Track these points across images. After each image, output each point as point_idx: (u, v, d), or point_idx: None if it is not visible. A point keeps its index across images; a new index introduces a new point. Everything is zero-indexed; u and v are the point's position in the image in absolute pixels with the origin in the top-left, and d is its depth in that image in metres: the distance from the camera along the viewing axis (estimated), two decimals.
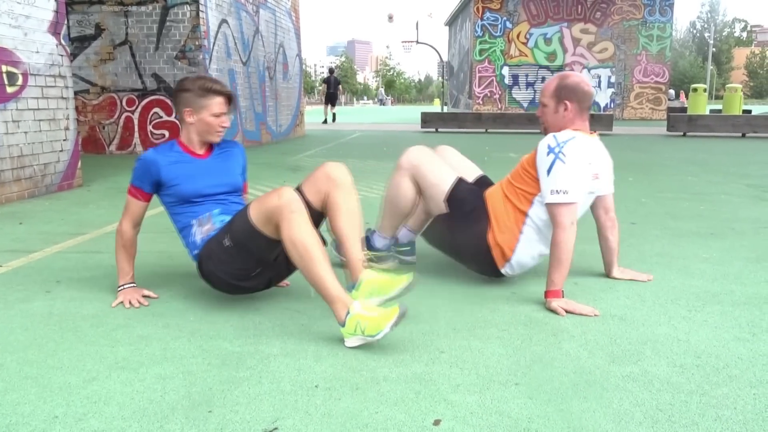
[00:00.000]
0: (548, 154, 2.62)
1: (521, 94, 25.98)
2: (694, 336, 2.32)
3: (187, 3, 9.09)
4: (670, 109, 23.79)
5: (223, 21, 10.07)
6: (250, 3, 11.41)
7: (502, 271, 2.85)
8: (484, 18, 25.88)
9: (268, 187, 6.13)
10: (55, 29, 5.84)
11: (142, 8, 9.22)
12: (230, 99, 2.66)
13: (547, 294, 2.61)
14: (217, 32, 9.81)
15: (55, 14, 5.83)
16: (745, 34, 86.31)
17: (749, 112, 20.35)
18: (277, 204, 2.28)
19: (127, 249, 2.78)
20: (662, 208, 5.08)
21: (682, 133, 14.80)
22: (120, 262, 2.77)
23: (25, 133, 5.47)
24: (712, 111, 20.86)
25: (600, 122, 15.69)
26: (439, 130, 16.42)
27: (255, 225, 2.37)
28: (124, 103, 9.49)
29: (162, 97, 9.40)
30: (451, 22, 34.52)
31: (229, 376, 1.98)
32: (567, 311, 2.54)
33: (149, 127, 9.51)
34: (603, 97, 25.94)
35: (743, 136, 14.33)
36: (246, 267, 2.50)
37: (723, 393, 1.87)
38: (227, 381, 1.95)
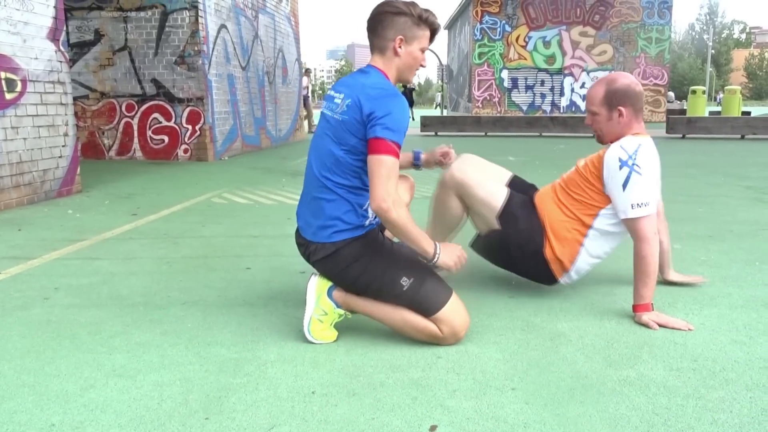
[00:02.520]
0: (621, 168, 2.52)
1: (520, 98, 25.97)
2: (691, 339, 2.33)
3: (186, 8, 9.11)
4: (669, 111, 23.79)
5: (223, 26, 10.09)
6: (250, 8, 11.44)
7: (561, 281, 2.80)
8: (483, 21, 25.90)
9: (269, 192, 6.14)
10: (54, 35, 5.85)
11: (142, 14, 9.24)
12: (434, 36, 2.32)
13: (636, 308, 2.53)
14: (216, 37, 9.83)
15: (54, 20, 5.84)
16: (744, 36, 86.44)
17: (749, 113, 20.35)
18: (444, 340, 2.25)
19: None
20: None
21: (681, 135, 14.80)
22: (415, 234, 2.16)
23: (24, 139, 5.48)
24: (711, 113, 20.87)
25: None
26: (439, 133, 16.42)
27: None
28: (123, 108, 9.50)
29: (161, 103, 9.41)
30: (450, 25, 34.57)
31: (227, 383, 1.98)
32: (660, 325, 2.46)
33: (149, 133, 9.52)
34: None
35: (742, 137, 14.33)
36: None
37: (719, 396, 1.87)
38: (224, 388, 1.95)
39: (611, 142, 2.65)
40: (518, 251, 2.75)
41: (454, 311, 2.23)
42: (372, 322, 2.44)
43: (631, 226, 2.55)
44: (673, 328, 2.44)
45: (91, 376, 2.04)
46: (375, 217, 2.30)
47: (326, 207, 2.23)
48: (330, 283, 2.34)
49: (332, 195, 2.22)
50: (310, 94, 18.66)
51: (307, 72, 19.15)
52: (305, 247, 2.34)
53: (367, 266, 2.22)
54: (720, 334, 2.37)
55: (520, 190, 2.91)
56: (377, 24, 2.24)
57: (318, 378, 2.02)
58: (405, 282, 2.19)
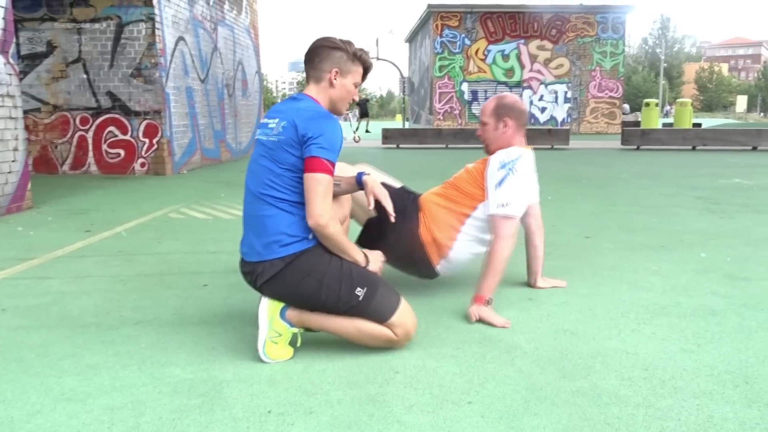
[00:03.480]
0: (500, 168, 2.79)
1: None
2: (642, 349, 2.38)
3: (142, 20, 8.99)
4: (624, 123, 24.42)
5: (180, 38, 9.98)
6: (208, 20, 11.35)
7: (437, 268, 2.94)
8: (443, 35, 26.23)
9: (228, 206, 6.07)
10: (3, 48, 5.70)
11: (96, 25, 9.08)
12: (367, 74, 2.46)
13: (474, 298, 2.72)
14: (174, 49, 9.71)
15: (3, 32, 5.70)
16: (694, 50, 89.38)
17: (699, 125, 21.03)
18: (397, 342, 2.34)
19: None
20: (615, 221, 5.19)
21: (635, 147, 15.19)
22: (348, 247, 2.33)
23: None
24: (664, 125, 21.48)
25: (557, 137, 16.00)
26: (401, 146, 16.51)
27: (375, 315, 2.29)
28: (77, 121, 9.29)
29: (117, 116, 9.24)
30: (411, 38, 34.89)
31: (180, 405, 1.94)
32: (479, 319, 2.66)
33: (104, 146, 9.33)
34: (560, 112, 26.47)
35: (694, 149, 14.79)
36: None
37: (668, 405, 1.91)
38: (178, 410, 1.91)
39: (495, 152, 2.92)
40: (394, 234, 2.81)
41: (405, 314, 2.33)
42: (330, 338, 2.43)
43: (493, 222, 2.77)
44: (490, 324, 2.63)
45: (39, 401, 1.98)
46: (311, 233, 2.31)
47: (268, 222, 2.24)
48: (282, 305, 2.31)
49: (273, 210, 2.24)
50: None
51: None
52: (251, 273, 2.30)
53: (321, 281, 2.23)
54: (670, 343, 2.43)
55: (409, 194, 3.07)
56: (315, 56, 2.36)
57: (274, 397, 2.00)
58: (360, 292, 2.25)
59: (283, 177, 2.23)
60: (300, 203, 2.25)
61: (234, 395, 2.01)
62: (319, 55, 2.35)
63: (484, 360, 2.29)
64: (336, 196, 2.44)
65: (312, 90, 2.36)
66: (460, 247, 2.90)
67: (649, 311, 2.83)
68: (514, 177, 2.76)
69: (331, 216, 2.22)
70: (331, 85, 2.35)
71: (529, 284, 3.26)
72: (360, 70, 2.40)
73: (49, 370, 2.22)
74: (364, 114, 21.24)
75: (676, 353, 2.33)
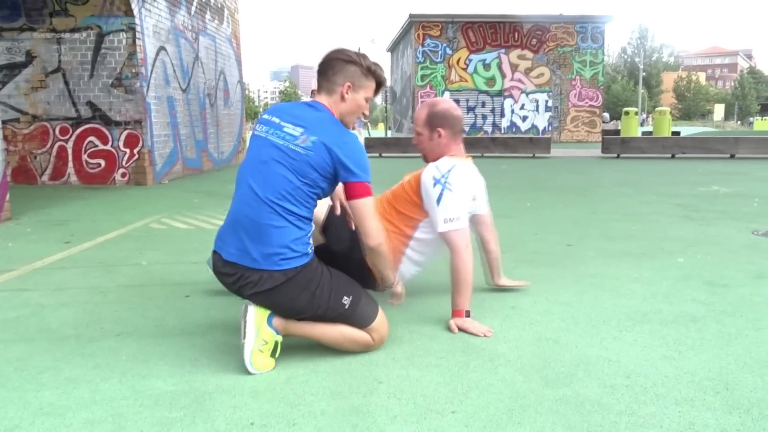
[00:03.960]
0: (435, 185, 2.75)
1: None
2: (624, 356, 2.40)
3: (123, 30, 8.93)
4: (604, 132, 24.68)
5: (162, 48, 9.93)
6: (190, 30, 11.31)
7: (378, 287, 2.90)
8: (425, 44, 26.38)
9: (210, 216, 6.03)
10: None
11: (76, 35, 9.00)
12: (380, 89, 2.47)
13: (453, 313, 2.75)
14: (155, 59, 9.66)
15: None
16: (672, 59, 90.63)
17: (678, 133, 21.31)
18: (372, 347, 2.43)
19: None
20: (597, 229, 5.24)
21: (615, 155, 15.36)
22: (391, 263, 2.54)
23: None
24: (644, 133, 21.74)
25: (538, 145, 16.13)
26: (383, 155, 16.53)
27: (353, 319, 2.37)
28: (57, 132, 9.19)
29: (97, 126, 9.15)
30: (393, 48, 35.04)
31: (162, 418, 1.92)
32: (460, 329, 2.68)
33: (84, 157, 9.23)
34: (541, 121, 26.70)
35: (673, 156, 14.98)
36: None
37: (650, 412, 1.93)
38: (159, 423, 1.89)
39: (434, 161, 2.87)
40: (343, 260, 2.74)
41: (382, 320, 2.44)
42: (313, 348, 2.43)
43: (445, 238, 2.75)
44: (472, 333, 2.64)
45: (17, 415, 1.95)
46: (312, 244, 2.33)
47: (275, 234, 2.18)
48: (268, 312, 2.31)
49: (283, 222, 2.19)
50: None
51: (313, 93, 19.58)
52: (237, 278, 2.23)
53: (314, 293, 2.27)
54: (651, 350, 2.46)
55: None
56: (328, 68, 2.34)
57: (257, 408, 1.98)
58: (346, 301, 2.33)
59: (300, 191, 2.20)
60: (307, 219, 2.26)
61: (216, 407, 1.99)
62: (333, 67, 2.33)
63: (467, 369, 2.29)
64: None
65: (324, 100, 2.35)
66: (406, 267, 2.92)
67: (630, 318, 2.86)
68: (451, 191, 2.72)
69: (382, 230, 2.35)
70: (343, 99, 2.33)
71: (492, 284, 3.33)
72: (373, 85, 2.40)
73: (27, 383, 2.19)
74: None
75: (658, 360, 2.35)
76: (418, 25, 26.33)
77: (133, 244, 4.72)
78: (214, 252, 2.33)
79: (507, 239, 4.78)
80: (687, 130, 36.08)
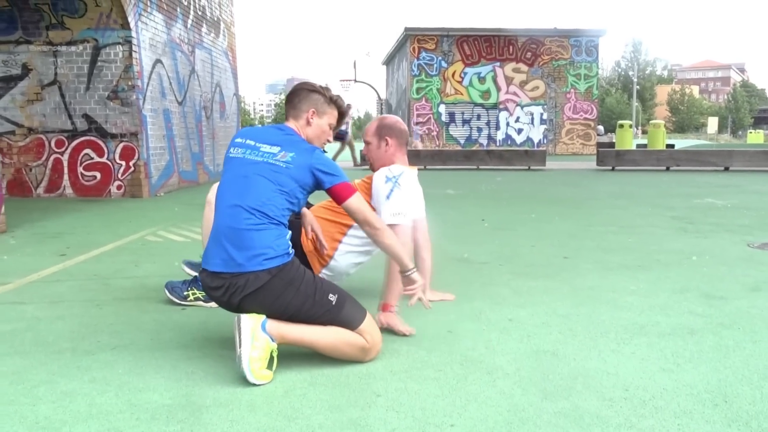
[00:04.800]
0: (387, 182, 2.97)
1: (458, 131, 26.57)
2: (622, 369, 2.39)
3: (119, 43, 8.95)
4: (599, 144, 24.79)
5: (158, 61, 9.95)
6: (186, 43, 11.35)
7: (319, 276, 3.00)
8: (420, 57, 26.51)
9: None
10: None
11: (72, 48, 9.01)
12: (342, 118, 2.74)
13: (381, 306, 2.87)
14: (152, 72, 9.68)
15: None
16: (666, 72, 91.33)
17: (672, 146, 21.44)
18: (369, 351, 2.47)
19: None
20: (593, 241, 5.25)
21: (610, 168, 15.42)
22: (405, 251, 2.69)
23: None
24: (638, 146, 21.85)
25: (534, 158, 16.19)
26: None
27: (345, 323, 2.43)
28: (52, 144, 9.18)
29: (93, 138, 9.14)
30: (389, 61, 35.19)
31: None
32: (386, 326, 2.79)
33: (80, 169, 9.22)
34: (536, 134, 26.81)
35: (667, 169, 15.05)
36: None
37: (649, 425, 1.92)
38: None
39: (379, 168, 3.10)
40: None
41: (371, 323, 2.50)
42: (311, 362, 2.42)
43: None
44: (396, 331, 2.78)
45: (13, 429, 1.93)
46: (291, 247, 2.46)
47: (255, 236, 2.33)
48: (263, 317, 2.33)
49: (263, 225, 2.35)
50: (349, 129, 19.74)
51: (348, 107, 19.84)
52: (225, 288, 2.34)
53: (299, 288, 2.36)
54: (650, 363, 2.45)
55: None
56: (295, 97, 2.63)
57: (255, 422, 1.97)
58: (332, 298, 2.42)
59: (278, 199, 2.38)
60: (283, 224, 2.42)
61: (214, 421, 1.98)
62: (299, 95, 2.61)
63: (465, 382, 2.28)
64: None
65: (291, 124, 2.60)
66: (341, 257, 3.07)
67: (628, 331, 2.86)
68: (400, 190, 2.94)
69: (382, 222, 2.59)
70: (308, 123, 2.59)
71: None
72: (335, 113, 2.67)
73: (23, 397, 2.17)
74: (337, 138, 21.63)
75: (656, 373, 2.35)
76: (414, 39, 26.47)
77: (129, 257, 4.70)
78: (202, 270, 2.45)
79: (503, 251, 4.79)
80: (681, 143, 36.29)
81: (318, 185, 2.47)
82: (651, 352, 2.57)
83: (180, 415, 2.02)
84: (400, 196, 2.93)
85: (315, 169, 2.43)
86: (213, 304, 3.22)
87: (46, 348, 2.68)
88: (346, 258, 3.09)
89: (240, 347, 2.26)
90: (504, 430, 1.90)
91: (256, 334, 2.28)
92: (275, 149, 2.44)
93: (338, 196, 2.46)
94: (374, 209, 2.95)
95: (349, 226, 3.04)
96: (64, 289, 3.73)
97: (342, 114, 2.70)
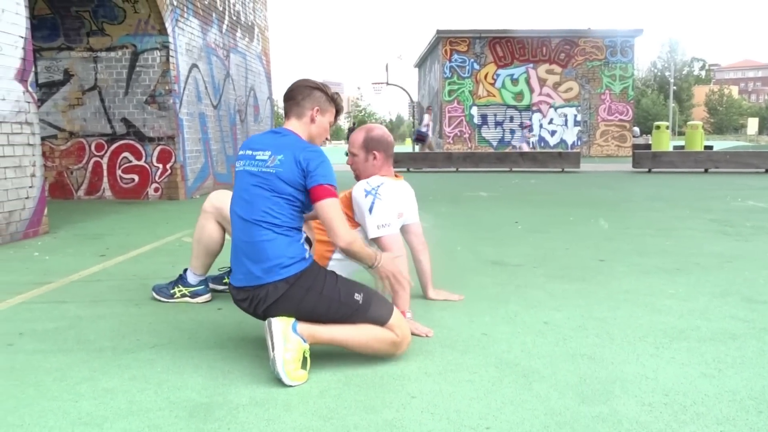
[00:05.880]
0: (366, 196, 2.95)
1: (490, 134, 26.43)
2: (662, 373, 2.35)
3: (157, 48, 9.14)
4: (635, 146, 24.38)
5: (194, 65, 10.13)
6: (221, 48, 11.52)
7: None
8: (452, 60, 26.45)
9: None
10: (22, 76, 5.81)
11: (112, 54, 9.24)
12: (338, 115, 2.72)
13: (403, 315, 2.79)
14: (188, 76, 9.85)
15: (22, 62, 5.81)
16: (704, 73, 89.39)
17: (711, 147, 20.96)
18: (399, 344, 2.45)
19: None
20: (629, 244, 5.16)
21: (647, 170, 15.16)
22: (368, 251, 2.52)
23: None
24: (675, 147, 21.43)
25: (568, 160, 16.01)
26: (411, 169, 16.56)
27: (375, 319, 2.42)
28: (92, 147, 9.41)
29: (131, 142, 9.35)
30: (421, 63, 35.18)
31: (197, 429, 1.94)
32: None
33: (118, 172, 9.43)
34: (570, 135, 26.51)
35: (706, 171, 14.73)
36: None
37: (690, 431, 1.88)
38: None
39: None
40: None
41: (399, 317, 2.49)
42: (346, 362, 2.43)
43: (378, 243, 2.92)
44: (419, 334, 2.77)
45: (56, 425, 1.98)
46: (310, 249, 2.49)
47: (268, 247, 2.35)
48: (292, 319, 2.35)
49: (271, 235, 2.36)
50: (430, 132, 20.34)
51: (429, 109, 21.09)
52: (249, 300, 2.40)
53: (321, 292, 2.37)
54: (690, 368, 2.40)
55: None
56: (297, 94, 2.57)
57: (291, 422, 1.99)
58: (359, 297, 2.41)
59: (280, 206, 2.37)
60: (295, 228, 2.41)
61: (250, 420, 2.00)
62: (302, 93, 2.57)
63: (501, 384, 2.27)
64: (307, 221, 2.76)
65: (293, 124, 2.56)
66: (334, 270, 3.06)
67: (667, 335, 2.80)
68: (381, 201, 2.93)
69: (352, 233, 2.43)
70: (312, 121, 2.56)
71: (424, 297, 3.43)
72: (334, 111, 2.65)
73: (66, 394, 2.22)
74: None
75: (697, 378, 2.30)
76: (446, 41, 26.43)
77: (166, 258, 4.79)
78: (230, 286, 2.52)
79: (537, 254, 4.74)
80: (720, 144, 35.44)
81: (305, 182, 2.39)
82: (691, 357, 2.52)
83: (217, 414, 2.05)
84: (381, 208, 2.92)
85: (301, 166, 2.37)
86: (201, 299, 3.45)
87: (88, 346, 2.75)
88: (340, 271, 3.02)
89: (273, 350, 2.28)
90: None
91: (288, 336, 2.30)
92: (266, 154, 2.42)
93: (313, 195, 2.38)
94: (358, 224, 3.00)
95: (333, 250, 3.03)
96: (105, 289, 3.81)
97: (339, 112, 2.68)
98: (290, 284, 2.33)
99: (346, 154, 3.43)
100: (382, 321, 2.42)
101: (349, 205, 3.03)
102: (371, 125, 3.25)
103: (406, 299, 2.86)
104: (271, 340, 2.29)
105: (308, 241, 2.53)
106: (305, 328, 2.35)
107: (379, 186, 2.98)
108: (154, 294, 3.50)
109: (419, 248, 3.41)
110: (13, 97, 5.69)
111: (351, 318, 2.40)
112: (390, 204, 2.97)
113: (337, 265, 3.03)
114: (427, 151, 18.70)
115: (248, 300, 2.41)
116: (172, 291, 3.47)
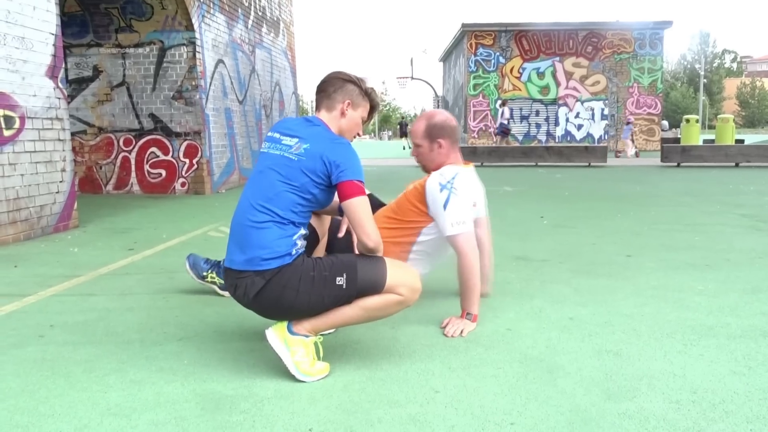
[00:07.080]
0: (441, 190, 2.84)
1: (516, 128, 26.19)
2: (690, 371, 2.31)
3: (183, 44, 9.23)
4: (663, 140, 23.98)
5: (220, 61, 10.21)
6: (247, 43, 11.59)
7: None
8: (478, 54, 26.27)
9: None
10: (52, 73, 5.92)
11: (140, 50, 9.36)
12: (374, 112, 2.60)
13: (473, 318, 2.83)
14: (214, 72, 9.94)
15: (53, 58, 5.92)
16: (735, 65, 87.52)
17: (742, 141, 20.52)
18: (407, 300, 2.32)
19: None
20: (657, 239, 5.09)
21: (676, 164, 14.91)
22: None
23: (22, 175, 5.50)
24: (705, 141, 21.03)
25: (594, 154, 15.81)
26: None
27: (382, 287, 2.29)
28: (121, 143, 9.56)
29: (159, 137, 9.47)
30: (445, 57, 35.02)
31: (223, 421, 1.96)
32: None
33: (146, 167, 9.56)
34: (597, 129, 26.18)
35: (737, 165, 14.44)
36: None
37: (719, 429, 1.85)
38: (220, 426, 1.93)
39: (434, 170, 2.96)
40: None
41: (397, 273, 2.31)
42: (370, 356, 2.44)
43: (451, 242, 2.83)
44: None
45: (86, 415, 2.02)
46: (301, 246, 2.32)
47: (254, 234, 2.23)
48: (285, 323, 2.31)
49: (266, 221, 2.24)
50: (509, 125, 20.92)
51: (505, 102, 21.42)
52: (235, 287, 2.30)
53: (298, 289, 2.23)
54: (719, 365, 2.36)
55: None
56: (329, 86, 2.46)
57: (315, 415, 2.00)
58: (341, 281, 2.25)
59: (287, 194, 2.25)
60: (293, 222, 2.27)
61: (275, 413, 2.02)
62: (334, 85, 2.46)
63: (525, 380, 2.25)
64: (320, 215, 2.68)
65: (324, 116, 2.45)
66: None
67: (695, 332, 2.76)
68: (457, 195, 2.82)
69: (379, 234, 2.31)
70: (343, 114, 2.45)
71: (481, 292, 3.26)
72: (368, 106, 2.53)
73: (95, 385, 2.27)
74: (404, 134, 22.42)
75: (726, 376, 2.26)
76: (471, 35, 26.25)
77: (193, 252, 4.83)
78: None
79: (563, 249, 4.70)
80: (751, 138, 34.69)
81: (329, 178, 2.28)
82: (720, 355, 2.47)
83: (243, 406, 2.07)
84: (457, 204, 2.80)
85: (327, 160, 2.25)
86: (227, 294, 3.22)
87: (117, 338, 2.80)
88: (418, 264, 2.97)
89: (282, 360, 2.28)
90: (566, 430, 1.87)
91: (288, 340, 2.28)
92: (293, 141, 2.32)
93: (342, 192, 2.26)
94: (431, 219, 2.91)
95: (413, 242, 2.97)
96: (133, 282, 3.87)
97: (374, 108, 2.54)
98: (266, 280, 2.22)
99: (403, 148, 3.30)
100: (377, 289, 2.27)
101: (421, 198, 2.92)
102: (431, 111, 3.10)
103: (475, 301, 2.83)
104: (275, 351, 2.29)
105: (306, 238, 2.37)
106: (302, 325, 2.31)
107: (453, 178, 2.85)
108: (187, 264, 3.46)
109: (485, 245, 3.25)
110: (44, 93, 5.80)
111: (341, 301, 2.28)
112: (465, 198, 2.85)
113: (422, 258, 2.99)
114: (504, 144, 19.08)
115: (233, 286, 2.29)
116: (204, 273, 3.46)
